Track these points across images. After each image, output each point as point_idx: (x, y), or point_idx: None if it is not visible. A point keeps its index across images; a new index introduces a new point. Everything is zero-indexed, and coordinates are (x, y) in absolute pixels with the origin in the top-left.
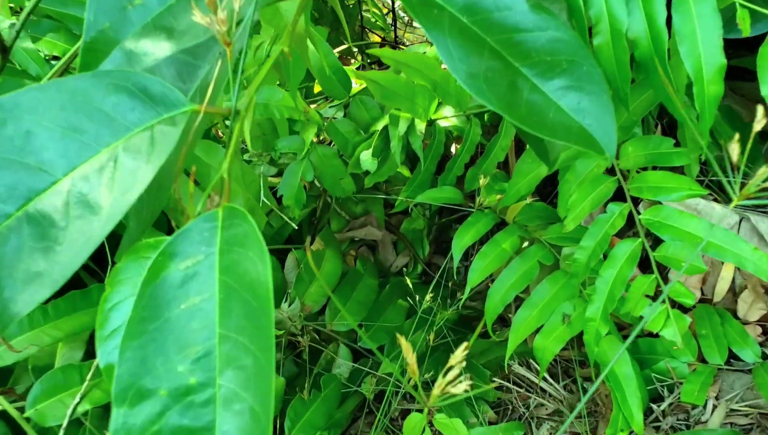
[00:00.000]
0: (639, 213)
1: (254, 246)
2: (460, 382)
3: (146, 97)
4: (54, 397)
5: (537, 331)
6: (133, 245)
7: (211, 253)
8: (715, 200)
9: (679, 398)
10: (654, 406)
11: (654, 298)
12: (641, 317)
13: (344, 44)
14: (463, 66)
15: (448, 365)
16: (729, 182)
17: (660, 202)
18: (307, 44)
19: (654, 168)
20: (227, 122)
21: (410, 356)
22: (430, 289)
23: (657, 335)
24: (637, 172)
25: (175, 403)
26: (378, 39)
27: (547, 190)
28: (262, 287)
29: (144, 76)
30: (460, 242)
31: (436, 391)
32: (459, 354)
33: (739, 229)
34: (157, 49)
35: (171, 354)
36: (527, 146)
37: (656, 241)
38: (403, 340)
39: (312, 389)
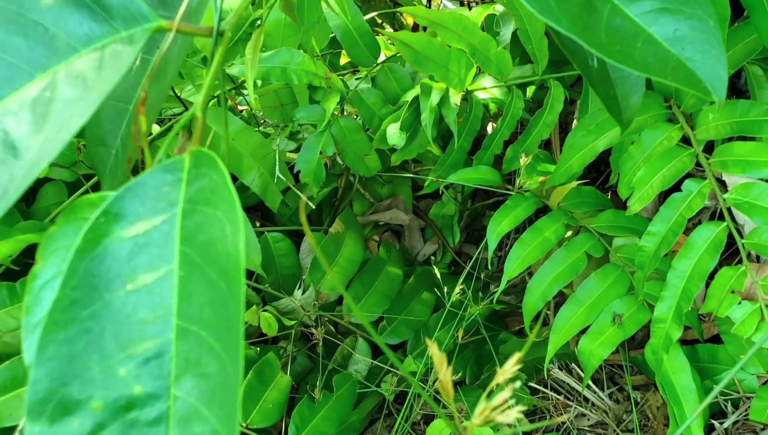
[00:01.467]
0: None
1: (223, 202)
2: (510, 407)
3: (99, 7)
4: (12, 392)
5: (581, 332)
6: (72, 202)
7: (172, 216)
8: None
9: (746, 416)
10: (716, 423)
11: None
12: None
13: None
14: None
15: (494, 383)
16: None
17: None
18: None
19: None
20: (245, 93)
21: (442, 369)
22: (460, 281)
23: (720, 341)
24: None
25: (113, 419)
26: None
27: (592, 176)
28: (232, 262)
29: None
30: (497, 228)
31: (477, 419)
32: (508, 368)
33: None
34: None
35: (110, 351)
36: (576, 120)
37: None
38: (434, 349)
39: (324, 389)
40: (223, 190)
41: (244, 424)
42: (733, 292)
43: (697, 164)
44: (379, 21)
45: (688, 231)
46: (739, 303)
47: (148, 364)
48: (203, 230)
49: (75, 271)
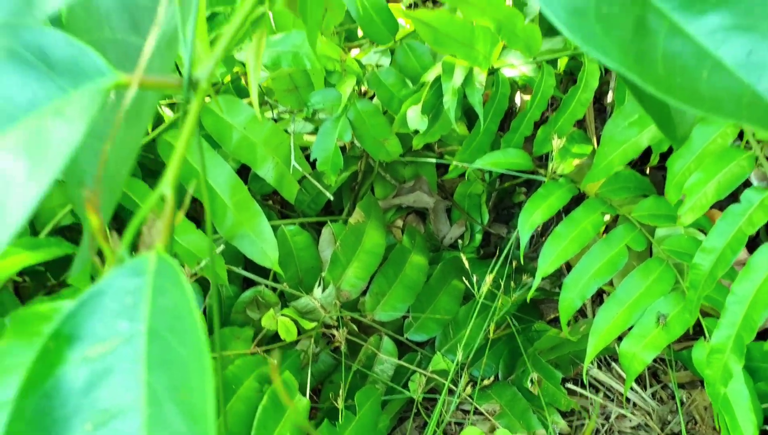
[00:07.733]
0: None
1: (188, 337)
2: None
3: (44, 63)
4: None
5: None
6: (21, 312)
7: (136, 334)
8: None
9: None
10: None
11: None
12: None
13: None
14: None
15: None
16: None
17: None
18: None
19: None
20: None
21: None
22: (489, 269)
23: None
24: None
25: None
26: None
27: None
28: (198, 411)
29: (41, 30)
30: (529, 219)
31: None
32: None
33: None
34: None
35: None
36: (612, 92)
37: None
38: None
39: (348, 399)
40: (187, 321)
41: None
42: None
43: None
44: None
45: None
46: None
47: None
48: (172, 362)
49: (23, 408)
